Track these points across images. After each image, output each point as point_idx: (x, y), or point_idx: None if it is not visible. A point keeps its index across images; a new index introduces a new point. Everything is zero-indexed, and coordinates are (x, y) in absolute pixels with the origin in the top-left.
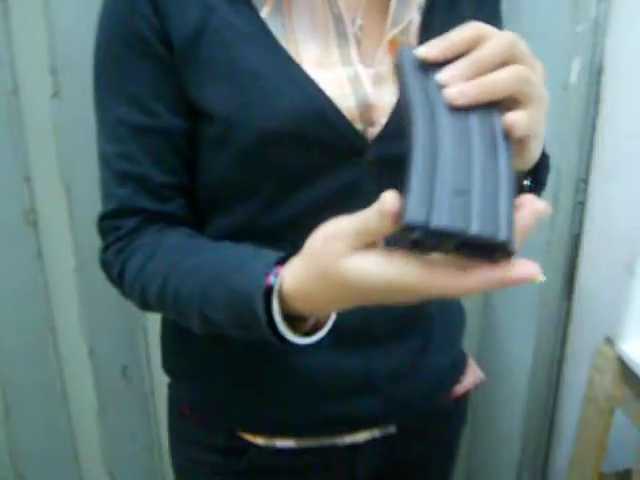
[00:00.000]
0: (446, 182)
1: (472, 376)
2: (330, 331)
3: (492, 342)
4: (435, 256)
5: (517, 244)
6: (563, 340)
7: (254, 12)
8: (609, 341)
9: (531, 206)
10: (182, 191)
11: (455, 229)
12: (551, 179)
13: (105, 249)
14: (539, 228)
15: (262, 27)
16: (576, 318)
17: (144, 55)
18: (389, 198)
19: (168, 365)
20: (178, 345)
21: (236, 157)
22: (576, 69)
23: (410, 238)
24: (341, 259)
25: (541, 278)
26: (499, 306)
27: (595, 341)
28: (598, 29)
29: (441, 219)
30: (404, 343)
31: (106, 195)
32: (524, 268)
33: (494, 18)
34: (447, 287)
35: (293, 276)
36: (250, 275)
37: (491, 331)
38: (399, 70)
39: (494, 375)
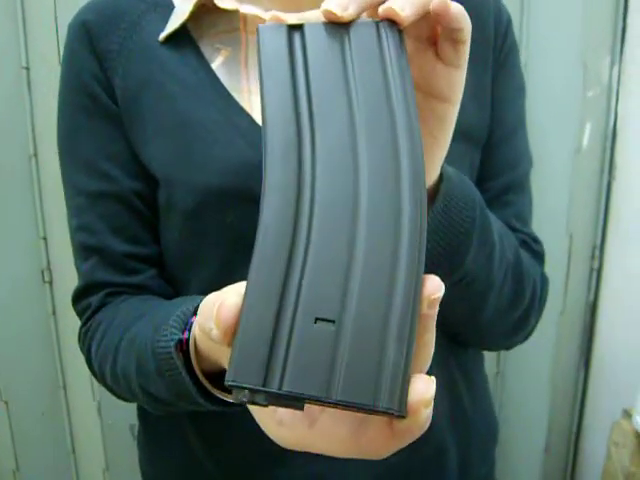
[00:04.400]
0: (301, 302)
1: None
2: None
3: (505, 413)
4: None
5: (418, 396)
6: (580, 412)
7: (203, 63)
8: (627, 414)
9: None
10: (150, 261)
11: (303, 395)
12: (563, 246)
13: (79, 333)
14: (551, 297)
15: (210, 77)
16: (593, 390)
17: (96, 114)
18: (228, 303)
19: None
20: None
21: (181, 222)
22: (588, 134)
23: (239, 399)
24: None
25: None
26: (511, 376)
27: (614, 413)
28: (611, 93)
29: (282, 380)
30: None
31: (77, 273)
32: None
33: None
34: (335, 451)
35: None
36: (166, 334)
37: (504, 402)
38: (259, 63)
39: (508, 448)
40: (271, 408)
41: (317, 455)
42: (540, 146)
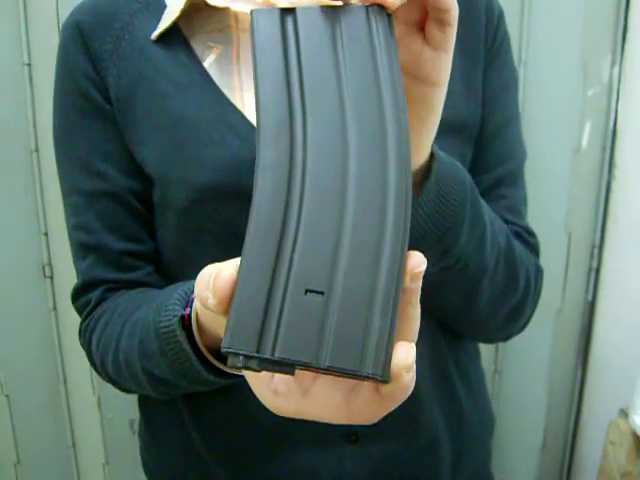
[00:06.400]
0: (293, 274)
1: None
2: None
3: (502, 411)
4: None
5: (401, 361)
6: (577, 411)
7: (195, 61)
8: (624, 414)
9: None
10: (147, 258)
11: (295, 361)
12: (562, 245)
13: (79, 329)
14: (549, 295)
15: (202, 75)
16: (591, 388)
17: (91, 114)
18: (224, 274)
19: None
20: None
21: (175, 220)
22: (588, 133)
23: (234, 364)
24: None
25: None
26: (509, 374)
27: (611, 412)
28: (611, 93)
29: (275, 346)
30: (384, 443)
31: (76, 271)
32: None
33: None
34: (328, 417)
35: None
36: (168, 312)
37: (501, 399)
38: (252, 46)
39: (505, 445)
40: (266, 377)
41: (313, 447)
42: (540, 145)
